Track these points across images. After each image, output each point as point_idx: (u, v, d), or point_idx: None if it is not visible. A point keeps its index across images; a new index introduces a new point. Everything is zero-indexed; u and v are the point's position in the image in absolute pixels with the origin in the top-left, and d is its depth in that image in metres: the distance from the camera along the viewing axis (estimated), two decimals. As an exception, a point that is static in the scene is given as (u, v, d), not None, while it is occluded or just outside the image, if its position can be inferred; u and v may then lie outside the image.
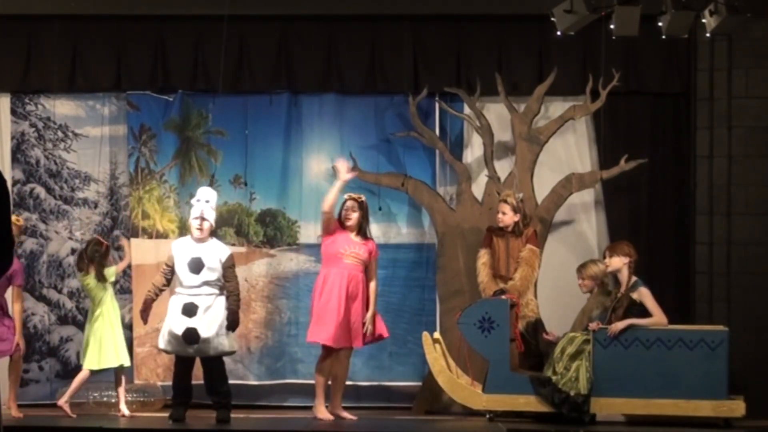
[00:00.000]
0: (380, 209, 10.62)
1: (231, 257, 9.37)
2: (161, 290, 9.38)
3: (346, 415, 9.50)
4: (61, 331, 10.75)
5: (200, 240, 9.31)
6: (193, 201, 9.49)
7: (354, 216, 9.49)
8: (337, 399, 9.53)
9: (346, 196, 9.61)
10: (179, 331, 9.13)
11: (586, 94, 10.38)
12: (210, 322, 9.16)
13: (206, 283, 9.22)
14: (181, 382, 9.31)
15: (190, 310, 9.16)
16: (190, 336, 9.12)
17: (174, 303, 9.26)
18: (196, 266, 9.22)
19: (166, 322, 9.29)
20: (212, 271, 9.23)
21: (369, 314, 9.39)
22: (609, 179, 10.42)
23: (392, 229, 10.75)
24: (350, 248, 9.42)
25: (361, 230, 9.51)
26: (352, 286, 9.36)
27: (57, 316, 10.76)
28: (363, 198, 9.64)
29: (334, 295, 9.33)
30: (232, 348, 9.36)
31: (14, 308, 9.56)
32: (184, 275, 9.24)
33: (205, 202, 9.37)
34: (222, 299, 9.27)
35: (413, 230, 10.76)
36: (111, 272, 9.67)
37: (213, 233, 9.52)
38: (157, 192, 10.76)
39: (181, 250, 9.31)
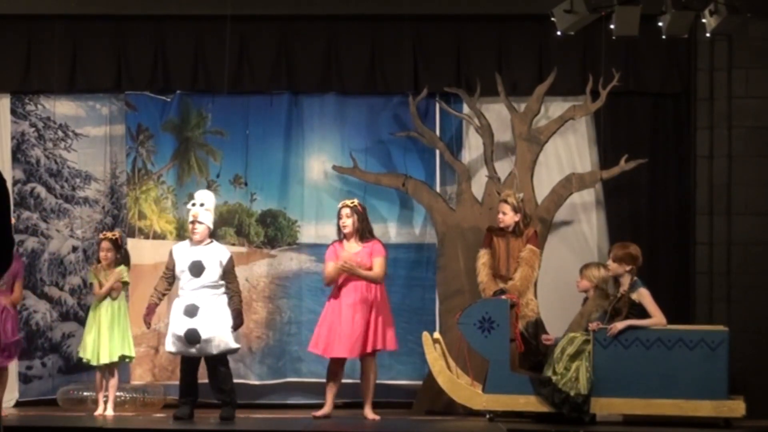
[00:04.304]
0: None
1: (231, 259, 9.43)
2: (164, 294, 9.47)
3: (370, 416, 9.54)
4: (63, 328, 10.80)
5: (199, 243, 9.36)
6: (189, 205, 9.53)
7: (349, 222, 9.53)
8: (365, 402, 9.59)
9: (340, 204, 9.70)
10: (181, 332, 9.20)
11: (586, 94, 10.38)
12: (210, 322, 9.21)
13: (207, 286, 9.28)
14: (187, 381, 9.36)
15: (191, 311, 9.22)
16: (192, 336, 9.18)
17: (176, 305, 9.35)
18: (197, 269, 9.27)
19: (170, 324, 9.34)
20: (213, 274, 9.29)
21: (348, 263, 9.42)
22: (609, 179, 10.42)
23: (385, 230, 10.74)
24: (351, 261, 9.48)
25: (361, 235, 9.55)
26: (356, 298, 9.43)
27: (59, 312, 10.79)
28: (356, 202, 9.68)
29: (335, 306, 9.48)
30: (237, 344, 9.45)
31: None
32: (185, 278, 9.31)
33: (200, 205, 9.40)
34: (222, 299, 9.32)
35: (404, 231, 10.77)
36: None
37: (213, 234, 9.54)
38: (155, 193, 10.78)
39: (182, 253, 9.37)
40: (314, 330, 9.65)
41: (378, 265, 9.50)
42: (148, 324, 9.48)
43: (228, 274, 9.35)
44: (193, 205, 9.45)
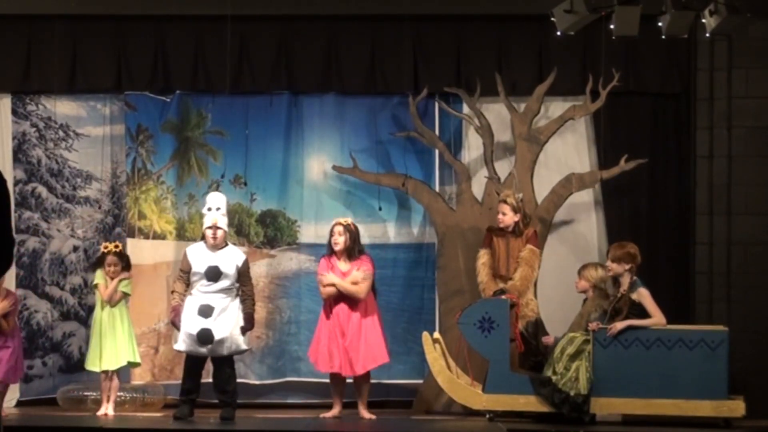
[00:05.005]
0: (380, 209, 10.68)
1: (246, 262, 9.48)
2: (185, 295, 9.44)
3: (365, 415, 9.59)
4: (64, 327, 10.82)
5: (215, 247, 9.37)
6: (204, 210, 9.53)
7: (341, 240, 9.59)
8: (359, 402, 9.66)
9: (333, 221, 9.76)
10: (194, 331, 9.21)
11: (586, 94, 10.38)
12: (224, 324, 9.26)
13: (222, 289, 9.32)
14: (190, 380, 9.39)
15: (205, 311, 9.26)
16: (205, 336, 9.21)
17: (190, 304, 9.34)
18: (214, 274, 9.30)
19: (183, 323, 9.34)
20: (229, 278, 9.33)
21: (336, 279, 9.52)
22: (609, 179, 10.42)
23: (384, 230, 10.75)
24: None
25: (350, 254, 9.59)
26: (342, 315, 9.52)
27: (60, 312, 10.81)
28: (350, 221, 9.72)
29: (325, 323, 9.61)
30: (247, 346, 9.51)
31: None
32: (200, 281, 9.34)
33: (216, 209, 9.42)
34: (236, 302, 9.38)
35: (404, 231, 10.78)
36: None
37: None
38: (154, 193, 10.79)
39: (198, 257, 9.38)
40: (312, 344, 9.73)
41: (364, 280, 9.53)
42: (177, 326, 9.42)
43: (243, 276, 9.39)
44: (209, 209, 9.46)
